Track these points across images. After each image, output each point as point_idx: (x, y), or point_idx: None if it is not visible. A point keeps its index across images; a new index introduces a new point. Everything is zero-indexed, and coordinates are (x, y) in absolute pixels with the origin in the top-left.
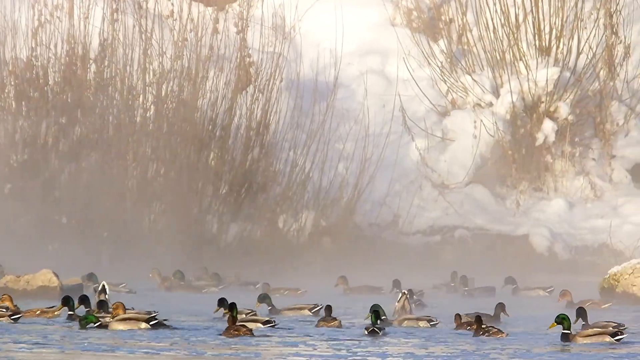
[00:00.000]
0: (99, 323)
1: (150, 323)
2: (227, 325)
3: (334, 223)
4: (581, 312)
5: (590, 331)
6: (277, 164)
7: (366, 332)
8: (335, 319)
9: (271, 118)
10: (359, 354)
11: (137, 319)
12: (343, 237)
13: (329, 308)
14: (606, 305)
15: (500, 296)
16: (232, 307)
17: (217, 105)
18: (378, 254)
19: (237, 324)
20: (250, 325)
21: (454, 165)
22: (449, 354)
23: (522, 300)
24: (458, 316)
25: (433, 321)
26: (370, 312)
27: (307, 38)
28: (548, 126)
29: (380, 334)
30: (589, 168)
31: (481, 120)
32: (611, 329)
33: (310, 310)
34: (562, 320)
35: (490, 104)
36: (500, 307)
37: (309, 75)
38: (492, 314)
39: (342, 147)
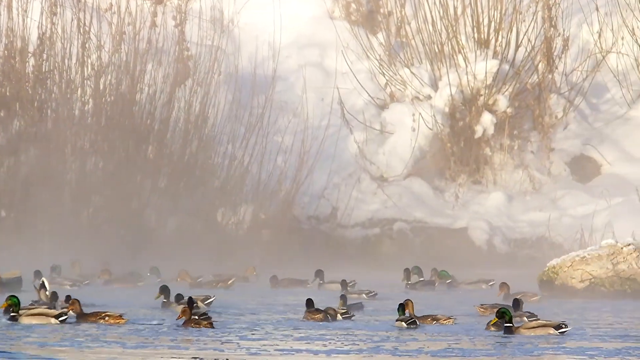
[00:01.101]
0: (12, 315)
1: (59, 319)
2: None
3: (272, 216)
4: (516, 304)
5: (534, 323)
6: (215, 157)
7: (404, 325)
8: (319, 310)
9: (209, 111)
10: (384, 348)
11: (47, 314)
12: (282, 230)
13: (310, 302)
14: (535, 298)
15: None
16: (190, 302)
17: (156, 99)
18: (317, 247)
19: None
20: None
21: (393, 158)
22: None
23: (460, 292)
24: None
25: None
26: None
27: (246, 31)
28: (487, 119)
29: (414, 325)
30: (527, 161)
31: (420, 113)
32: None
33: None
34: (502, 314)
35: (429, 97)
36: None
37: (247, 69)
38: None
39: (280, 140)
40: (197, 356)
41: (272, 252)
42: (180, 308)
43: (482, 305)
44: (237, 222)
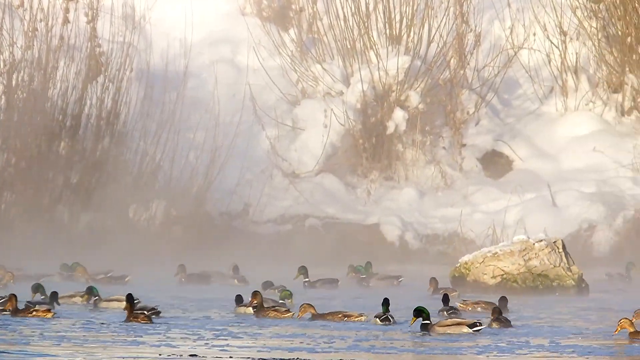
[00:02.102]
0: None
1: None
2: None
3: (184, 212)
4: (446, 299)
5: (449, 321)
6: (127, 154)
7: (379, 321)
8: (275, 308)
9: (121, 108)
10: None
11: None
12: (194, 226)
13: (256, 293)
14: (455, 294)
15: (342, 287)
16: (129, 299)
17: (68, 95)
18: (229, 243)
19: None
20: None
21: (305, 154)
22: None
23: (372, 290)
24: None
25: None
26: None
27: (158, 27)
28: (399, 115)
29: (391, 322)
30: (439, 157)
31: (331, 109)
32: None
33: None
34: (419, 312)
35: (341, 93)
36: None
37: (159, 65)
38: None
39: (192, 136)
40: (161, 353)
41: (183, 249)
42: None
43: (464, 301)
44: (149, 218)
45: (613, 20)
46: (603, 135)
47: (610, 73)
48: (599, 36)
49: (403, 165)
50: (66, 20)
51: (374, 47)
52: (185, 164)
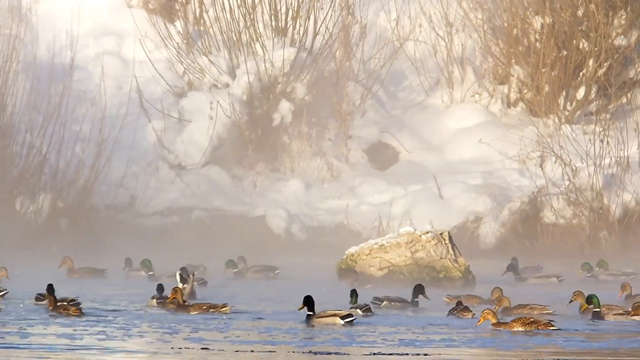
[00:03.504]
0: None
1: None
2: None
3: (71, 205)
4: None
5: (324, 313)
6: (13, 146)
7: (359, 312)
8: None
9: (7, 100)
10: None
11: None
12: (80, 218)
13: (160, 287)
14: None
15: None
16: (49, 290)
17: None
18: (115, 236)
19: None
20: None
21: (191, 146)
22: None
23: (247, 283)
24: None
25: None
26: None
27: (44, 19)
28: (285, 107)
29: (368, 313)
30: (325, 148)
31: (218, 101)
32: (344, 311)
33: None
34: (306, 302)
35: (227, 85)
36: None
37: (45, 57)
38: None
39: (79, 129)
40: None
41: (70, 241)
42: None
43: (448, 295)
44: (36, 210)
45: (499, 12)
46: (489, 127)
47: (496, 65)
48: (485, 28)
49: (289, 157)
50: None
51: (259, 39)
52: (71, 156)
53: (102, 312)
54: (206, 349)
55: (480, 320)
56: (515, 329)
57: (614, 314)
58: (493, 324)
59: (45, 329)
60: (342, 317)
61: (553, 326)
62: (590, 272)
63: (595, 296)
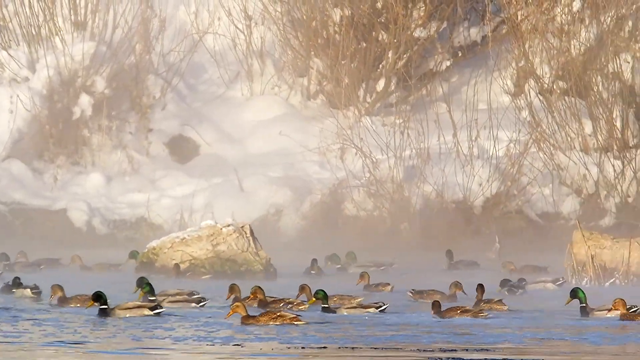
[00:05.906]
0: None
1: None
2: None
3: None
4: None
5: (130, 304)
6: None
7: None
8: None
9: None
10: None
11: None
12: None
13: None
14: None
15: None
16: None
17: None
18: None
19: None
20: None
21: None
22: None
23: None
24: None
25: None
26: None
27: None
28: (85, 100)
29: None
30: (126, 142)
31: (17, 95)
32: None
33: None
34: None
35: (27, 79)
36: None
37: None
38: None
39: None
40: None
41: None
42: None
43: (412, 290)
44: None
45: (298, 4)
46: (289, 119)
47: (295, 57)
48: (284, 20)
49: (90, 151)
50: None
51: (59, 33)
52: None
53: None
54: None
55: (229, 313)
56: (263, 324)
57: (346, 308)
58: (243, 317)
59: None
60: (151, 308)
61: (300, 321)
62: (339, 264)
63: (581, 290)
